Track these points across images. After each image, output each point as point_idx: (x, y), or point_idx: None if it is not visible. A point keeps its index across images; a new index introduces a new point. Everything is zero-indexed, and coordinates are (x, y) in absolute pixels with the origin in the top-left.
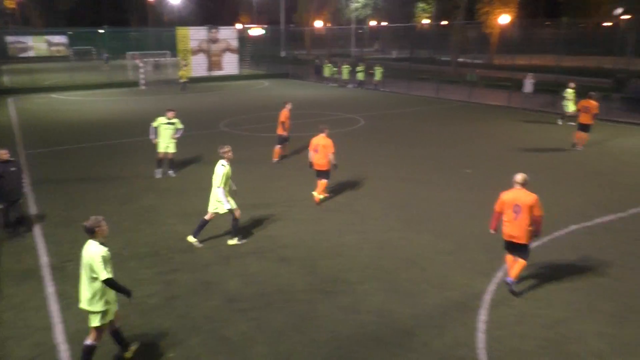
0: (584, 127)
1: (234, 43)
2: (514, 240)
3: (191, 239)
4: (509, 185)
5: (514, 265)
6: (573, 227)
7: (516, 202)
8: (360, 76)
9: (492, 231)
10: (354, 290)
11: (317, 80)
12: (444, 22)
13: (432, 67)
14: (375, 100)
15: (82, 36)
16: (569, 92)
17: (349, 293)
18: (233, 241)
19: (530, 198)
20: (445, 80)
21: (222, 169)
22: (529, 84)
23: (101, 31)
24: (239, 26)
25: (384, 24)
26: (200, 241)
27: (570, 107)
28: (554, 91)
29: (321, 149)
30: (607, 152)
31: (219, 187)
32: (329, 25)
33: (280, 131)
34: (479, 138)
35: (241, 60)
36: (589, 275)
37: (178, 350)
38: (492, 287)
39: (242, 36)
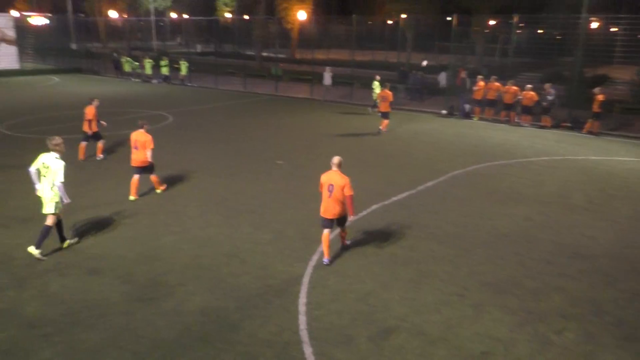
0: (385, 115)
1: (10, 33)
2: (330, 217)
3: (33, 250)
4: (316, 173)
5: (341, 236)
6: (374, 206)
7: (330, 182)
8: (164, 71)
9: (322, 214)
10: (175, 293)
11: (117, 75)
12: (246, 17)
13: (237, 62)
14: (183, 95)
15: None
16: (376, 84)
17: (170, 296)
18: (35, 251)
19: (342, 179)
20: (252, 74)
21: (59, 162)
22: (328, 77)
23: None
24: (15, 13)
25: (185, 16)
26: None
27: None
28: (350, 83)
29: (141, 145)
30: (398, 137)
31: (62, 182)
32: (125, 16)
33: (86, 128)
34: (288, 129)
35: (22, 53)
36: (389, 248)
37: None
38: (309, 271)
39: (21, 25)
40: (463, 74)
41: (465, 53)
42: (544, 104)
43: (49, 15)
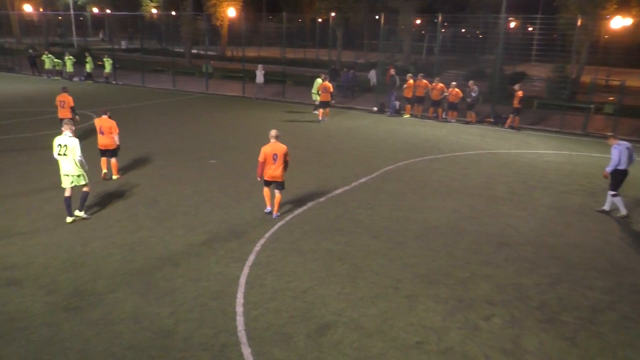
0: (325, 104)
1: None
2: (275, 180)
3: (78, 212)
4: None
5: (276, 202)
6: (310, 203)
7: (274, 152)
8: (88, 68)
9: (259, 178)
10: (104, 301)
11: (34, 73)
12: (173, 13)
13: (165, 59)
14: (108, 94)
15: None
16: (318, 82)
17: (99, 305)
18: (80, 213)
19: (283, 148)
20: (181, 72)
21: (73, 139)
22: (260, 75)
23: None
24: None
25: (108, 11)
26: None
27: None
28: (282, 81)
29: (106, 130)
30: (331, 134)
31: (80, 155)
32: (41, 10)
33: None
34: (220, 128)
35: None
36: (326, 245)
37: None
38: (246, 271)
39: None
40: (392, 72)
41: (394, 51)
42: (468, 100)
43: None
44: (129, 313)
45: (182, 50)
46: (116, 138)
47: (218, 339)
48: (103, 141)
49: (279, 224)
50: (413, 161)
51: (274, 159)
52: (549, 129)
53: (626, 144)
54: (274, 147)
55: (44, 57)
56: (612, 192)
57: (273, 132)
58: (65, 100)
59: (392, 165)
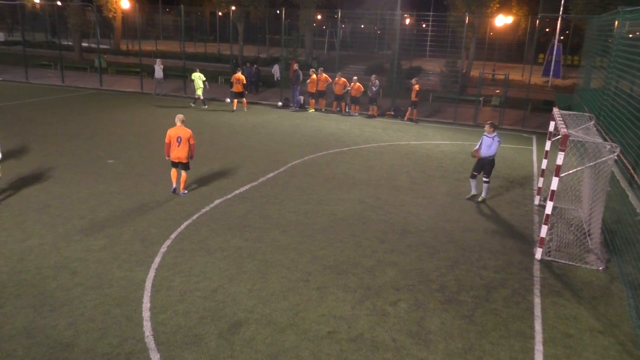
0: (240, 94)
1: None
2: (180, 161)
3: None
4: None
5: (182, 180)
6: (217, 201)
7: (178, 135)
8: None
9: (167, 157)
10: None
11: None
12: (59, 3)
13: (52, 52)
14: None
15: None
16: (196, 76)
17: None
18: None
19: (187, 132)
20: (71, 66)
21: None
22: (159, 70)
23: None
24: None
25: None
26: None
27: (198, 90)
28: (182, 76)
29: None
30: (236, 130)
31: None
32: None
33: None
34: (117, 126)
35: None
36: (234, 242)
37: None
38: (151, 274)
39: None
40: (295, 67)
41: (296, 46)
42: (369, 94)
43: None
44: (21, 328)
45: (70, 43)
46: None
47: (123, 347)
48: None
49: (186, 223)
50: (319, 155)
51: (178, 142)
52: (444, 120)
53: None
54: (177, 130)
55: None
56: (486, 179)
57: (180, 116)
58: None
59: (298, 159)
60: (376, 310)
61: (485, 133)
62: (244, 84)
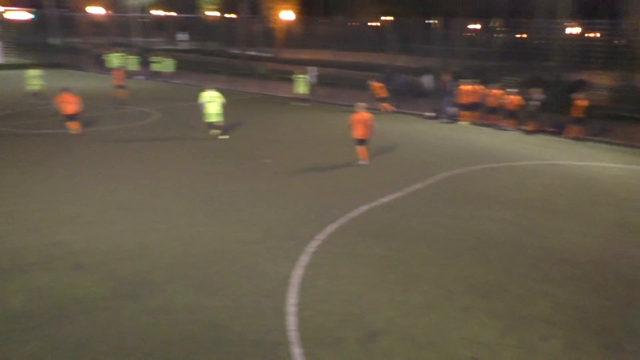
0: (383, 99)
1: None
2: (364, 138)
3: None
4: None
5: (364, 153)
6: (363, 207)
7: (363, 118)
8: (155, 67)
9: (354, 136)
10: (161, 291)
11: (99, 71)
12: (231, 15)
13: (222, 60)
14: (167, 92)
15: None
16: (300, 78)
17: (156, 294)
18: None
19: (369, 115)
20: (237, 72)
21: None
22: (312, 77)
23: None
24: None
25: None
26: None
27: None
28: (335, 84)
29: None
30: (383, 139)
31: None
32: (109, 12)
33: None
34: (275, 128)
35: (3, 48)
36: (378, 250)
37: None
38: (298, 272)
39: (2, 20)
40: (447, 77)
41: (447, 56)
42: (528, 108)
43: (31, 9)
44: (184, 304)
45: (238, 51)
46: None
47: (269, 337)
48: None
49: (332, 226)
50: (469, 169)
51: (364, 124)
52: (615, 141)
53: None
54: (362, 115)
55: (110, 55)
56: None
57: (362, 105)
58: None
59: (447, 172)
60: (524, 342)
61: None
62: (384, 90)
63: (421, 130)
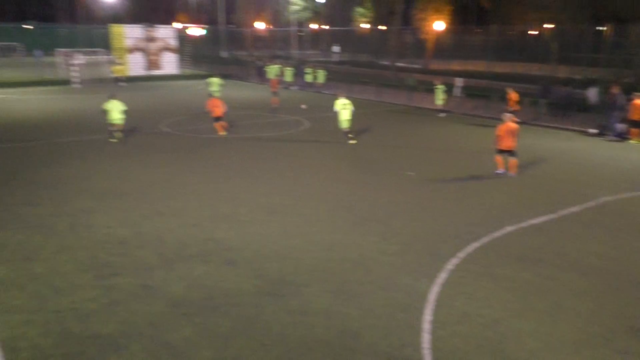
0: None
1: (173, 42)
2: (509, 149)
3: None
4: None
5: (511, 165)
6: (508, 228)
7: (509, 129)
8: (308, 78)
9: (498, 148)
10: (301, 293)
11: (259, 81)
12: (383, 27)
13: (372, 71)
14: (319, 102)
15: (4, 32)
16: (440, 87)
17: (297, 295)
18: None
19: (515, 126)
20: (385, 84)
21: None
22: (457, 88)
23: (28, 27)
24: (179, 25)
25: (325, 27)
26: (143, 246)
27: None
28: (486, 96)
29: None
30: (539, 155)
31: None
32: (270, 27)
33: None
34: (420, 140)
35: (181, 60)
36: (524, 275)
37: (118, 357)
38: (436, 289)
39: (181, 35)
40: (616, 90)
41: (620, 66)
42: None
43: (205, 26)
44: (322, 308)
45: (387, 63)
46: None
47: (402, 352)
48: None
49: (474, 245)
50: (638, 194)
51: (510, 134)
52: None
53: None
54: (508, 126)
55: (269, 67)
56: None
57: (508, 116)
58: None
59: (611, 196)
60: None
61: None
62: (517, 103)
63: (581, 148)
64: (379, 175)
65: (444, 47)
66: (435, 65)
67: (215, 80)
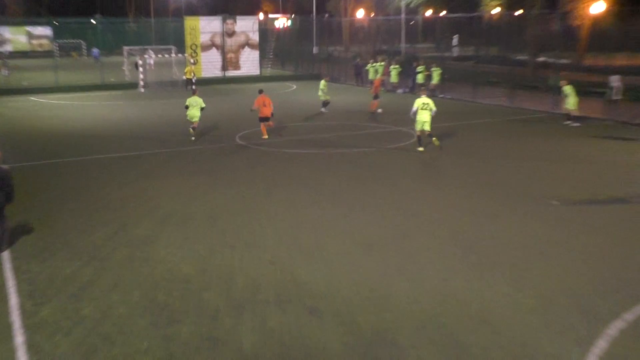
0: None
1: (255, 36)
2: None
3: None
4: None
5: None
6: None
7: None
8: (420, 78)
9: None
10: (405, 356)
11: (357, 83)
12: (519, 12)
13: (503, 69)
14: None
15: (70, 28)
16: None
17: (400, 359)
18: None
19: None
20: (522, 85)
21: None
22: (612, 89)
23: (93, 22)
24: (260, 16)
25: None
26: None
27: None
28: None
29: None
30: None
31: None
32: (372, 15)
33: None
34: (568, 160)
35: (263, 58)
36: None
37: None
38: (592, 359)
39: (265, 28)
40: None
41: None
42: None
43: (293, 16)
44: None
45: (525, 58)
46: None
47: None
48: None
49: None
50: None
51: None
52: None
53: None
54: None
55: (369, 66)
56: None
57: None
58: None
59: None
60: None
61: None
62: None
63: None
64: (508, 203)
65: (605, 36)
66: (592, 60)
67: (321, 84)
